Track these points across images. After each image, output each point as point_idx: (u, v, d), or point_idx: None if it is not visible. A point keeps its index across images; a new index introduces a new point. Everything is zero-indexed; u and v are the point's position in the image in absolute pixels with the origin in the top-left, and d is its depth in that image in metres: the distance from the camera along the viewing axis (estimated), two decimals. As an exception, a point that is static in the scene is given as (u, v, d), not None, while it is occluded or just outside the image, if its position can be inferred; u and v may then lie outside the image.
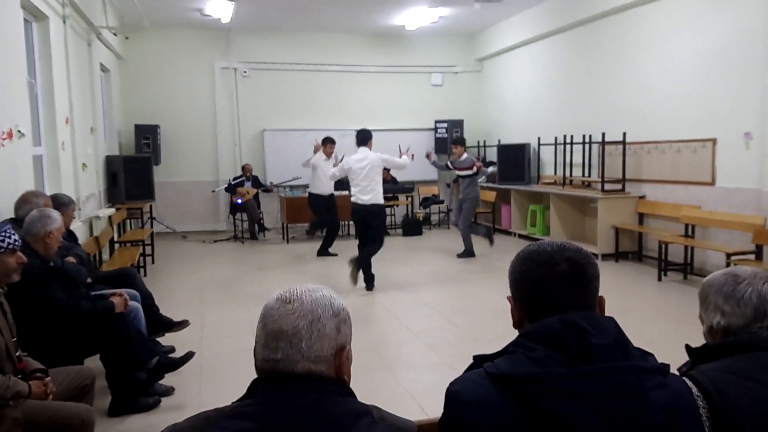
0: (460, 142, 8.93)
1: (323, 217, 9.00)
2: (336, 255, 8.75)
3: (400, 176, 11.44)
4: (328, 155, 8.74)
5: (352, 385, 1.27)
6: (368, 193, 6.74)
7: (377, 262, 6.89)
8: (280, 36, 11.63)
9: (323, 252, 8.94)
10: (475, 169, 8.61)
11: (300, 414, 1.14)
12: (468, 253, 8.61)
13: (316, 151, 8.86)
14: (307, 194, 9.45)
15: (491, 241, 8.83)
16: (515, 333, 1.33)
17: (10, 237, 2.63)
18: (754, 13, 6.26)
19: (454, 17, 10.74)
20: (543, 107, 10.43)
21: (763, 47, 6.14)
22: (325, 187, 8.89)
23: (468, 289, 6.82)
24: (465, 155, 8.80)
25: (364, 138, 6.88)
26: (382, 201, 6.86)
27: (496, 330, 4.95)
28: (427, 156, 9.35)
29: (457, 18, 10.81)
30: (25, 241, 3.15)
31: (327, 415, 1.15)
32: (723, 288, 1.56)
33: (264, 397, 1.17)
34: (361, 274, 6.71)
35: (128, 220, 9.33)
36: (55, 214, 3.40)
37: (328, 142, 8.86)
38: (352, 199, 6.88)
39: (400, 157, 7.04)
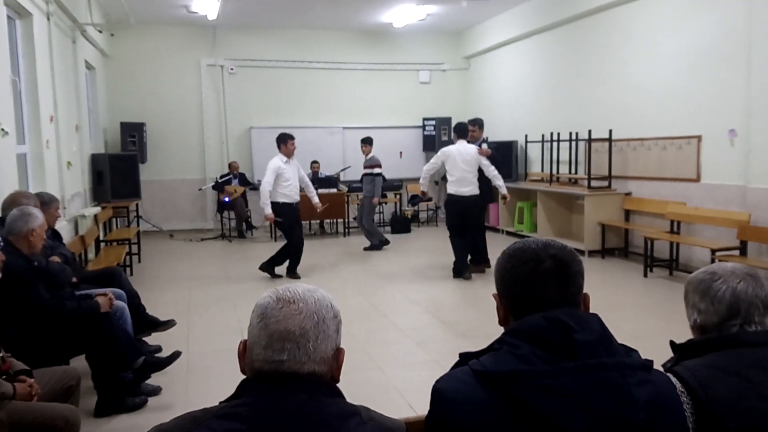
0: (368, 141, 9.45)
1: (298, 233, 7.34)
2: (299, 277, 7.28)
3: (389, 174, 11.43)
4: (289, 155, 7.16)
5: (342, 384, 1.27)
6: (468, 185, 6.96)
7: (368, 260, 6.88)
8: (267, 33, 11.58)
9: (292, 272, 7.32)
10: (377, 170, 9.30)
11: (289, 415, 1.13)
12: (375, 246, 9.09)
13: (269, 221, 7.33)
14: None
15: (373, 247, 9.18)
16: (502, 331, 1.34)
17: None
18: (739, 11, 6.31)
19: (441, 15, 10.74)
20: (530, 105, 10.47)
21: (747, 45, 6.20)
22: (294, 193, 7.19)
23: (456, 287, 6.84)
24: (371, 154, 9.36)
25: (463, 131, 7.16)
26: (478, 192, 7.07)
27: (485, 327, 4.97)
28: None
29: (445, 15, 10.82)
30: (7, 240, 3.12)
31: (316, 417, 1.15)
32: (699, 286, 1.57)
33: (253, 398, 1.17)
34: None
35: (114, 219, 9.26)
36: (37, 212, 3.37)
37: (288, 139, 7.18)
38: (450, 190, 7.04)
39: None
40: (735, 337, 1.48)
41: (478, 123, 7.66)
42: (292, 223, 7.23)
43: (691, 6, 6.98)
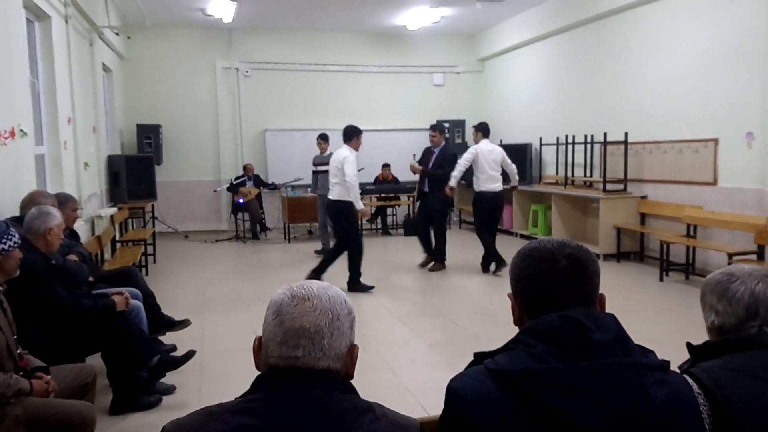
0: (326, 138, 9.16)
1: (360, 235, 7.03)
2: (373, 287, 6.63)
3: (402, 176, 11.44)
4: (357, 149, 6.82)
5: (354, 384, 1.27)
6: (497, 181, 7.37)
7: (379, 261, 6.86)
8: (282, 36, 11.64)
9: (358, 286, 6.62)
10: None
11: (303, 410, 1.14)
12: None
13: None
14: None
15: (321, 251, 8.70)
16: (516, 331, 1.33)
17: (14, 236, 2.64)
18: (756, 13, 6.25)
19: (455, 17, 10.74)
20: (545, 107, 10.42)
21: (764, 47, 6.13)
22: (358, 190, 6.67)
23: (469, 288, 6.82)
24: (328, 152, 8.95)
25: (486, 130, 7.53)
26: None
27: (498, 329, 4.95)
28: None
29: (459, 18, 10.81)
30: (25, 238, 3.16)
31: (330, 412, 1.15)
32: (717, 287, 1.55)
33: (267, 393, 1.18)
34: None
35: (130, 220, 9.34)
36: (54, 211, 3.41)
37: (360, 133, 6.89)
38: (481, 188, 7.36)
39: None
40: (753, 338, 1.47)
41: (439, 129, 7.68)
42: (355, 224, 6.71)
43: (707, 7, 6.92)
